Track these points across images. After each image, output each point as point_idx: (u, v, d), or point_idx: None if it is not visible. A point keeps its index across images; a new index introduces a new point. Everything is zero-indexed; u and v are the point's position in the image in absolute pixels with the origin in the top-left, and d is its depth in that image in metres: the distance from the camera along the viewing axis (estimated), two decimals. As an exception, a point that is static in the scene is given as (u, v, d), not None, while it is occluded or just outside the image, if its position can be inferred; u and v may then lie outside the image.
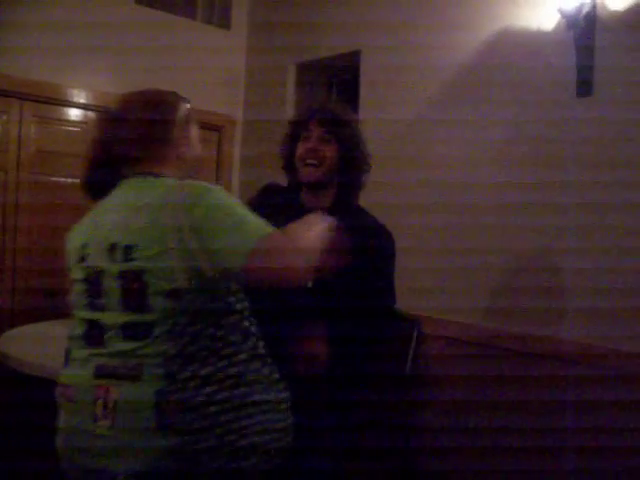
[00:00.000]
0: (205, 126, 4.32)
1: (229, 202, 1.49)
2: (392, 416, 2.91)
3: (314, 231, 1.57)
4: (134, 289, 1.45)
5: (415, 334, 3.04)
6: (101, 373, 1.47)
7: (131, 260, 1.45)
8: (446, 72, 3.35)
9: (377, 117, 3.56)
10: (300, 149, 2.06)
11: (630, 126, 2.69)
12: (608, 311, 2.69)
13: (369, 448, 2.42)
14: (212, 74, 4.27)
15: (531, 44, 3.01)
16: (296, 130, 2.11)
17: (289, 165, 2.13)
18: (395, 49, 3.56)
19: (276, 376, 1.60)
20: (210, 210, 1.44)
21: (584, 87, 2.82)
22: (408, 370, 3.04)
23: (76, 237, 1.63)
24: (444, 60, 3.35)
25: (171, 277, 1.43)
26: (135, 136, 1.62)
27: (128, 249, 1.46)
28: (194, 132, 1.72)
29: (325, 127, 2.03)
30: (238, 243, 1.42)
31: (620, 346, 2.64)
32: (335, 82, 4.28)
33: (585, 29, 2.79)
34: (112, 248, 1.49)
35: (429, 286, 3.22)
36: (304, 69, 4.19)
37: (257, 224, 1.46)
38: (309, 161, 2.02)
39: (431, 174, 3.31)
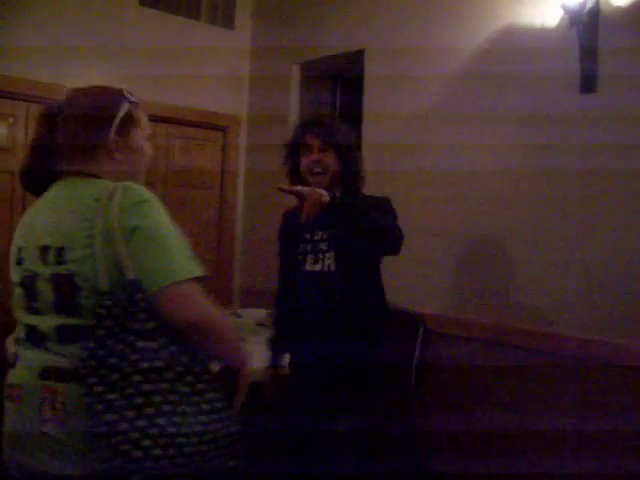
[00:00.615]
0: (210, 126, 4.37)
1: (162, 219, 1.45)
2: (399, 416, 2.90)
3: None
4: (66, 292, 1.43)
5: (421, 330, 3.05)
6: (47, 374, 1.45)
7: (62, 263, 1.43)
8: (450, 70, 3.35)
9: (381, 115, 3.59)
10: (304, 162, 2.29)
11: (634, 122, 2.70)
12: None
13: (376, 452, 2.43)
14: (216, 74, 4.29)
15: (535, 41, 3.01)
16: (295, 146, 2.33)
17: (295, 178, 2.34)
18: (399, 48, 3.56)
19: (202, 386, 1.48)
20: (142, 223, 1.41)
21: (588, 84, 2.83)
22: (415, 366, 3.04)
23: (15, 239, 1.58)
24: (448, 58, 3.36)
25: (97, 281, 1.40)
26: (69, 134, 1.56)
27: (59, 251, 1.44)
28: (139, 133, 1.64)
29: (321, 138, 2.26)
30: (159, 268, 1.40)
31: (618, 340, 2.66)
32: (339, 81, 4.29)
33: (588, 25, 2.79)
34: (44, 250, 1.46)
35: (432, 284, 3.27)
36: (308, 68, 4.20)
37: (184, 259, 1.44)
38: (316, 170, 2.26)
39: (436, 170, 3.32)
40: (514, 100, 3.08)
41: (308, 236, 2.31)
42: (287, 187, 2.12)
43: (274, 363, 2.49)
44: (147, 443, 1.36)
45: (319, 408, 2.25)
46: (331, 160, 2.25)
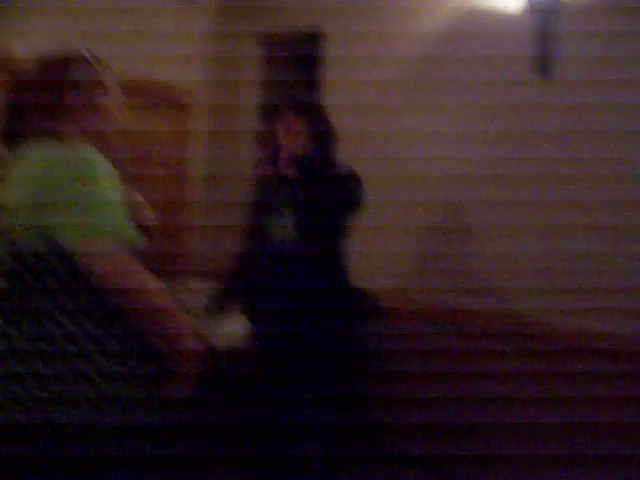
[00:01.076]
0: (170, 103, 4.31)
1: (100, 183, 1.45)
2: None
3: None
4: None
5: (373, 308, 3.05)
6: None
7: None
8: (410, 54, 3.38)
9: (341, 97, 3.58)
10: (277, 130, 2.33)
11: (589, 108, 2.76)
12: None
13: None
14: (177, 50, 4.22)
15: (495, 26, 3.06)
16: (268, 115, 2.43)
17: (266, 146, 2.42)
18: (359, 30, 3.57)
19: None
20: (79, 186, 1.42)
21: (545, 70, 2.88)
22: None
23: None
24: (408, 42, 3.39)
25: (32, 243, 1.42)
26: (32, 96, 1.55)
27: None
28: (102, 94, 1.62)
29: (295, 109, 2.31)
30: (87, 225, 1.41)
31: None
32: (300, 62, 4.27)
33: (548, 12, 2.84)
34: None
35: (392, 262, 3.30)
36: (270, 48, 4.17)
37: (120, 222, 1.45)
38: (286, 139, 2.29)
39: (391, 154, 3.34)
40: (473, 85, 3.13)
41: (275, 206, 2.33)
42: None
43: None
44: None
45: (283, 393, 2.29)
46: (302, 129, 2.30)
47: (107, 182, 1.46)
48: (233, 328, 2.76)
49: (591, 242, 2.75)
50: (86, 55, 1.61)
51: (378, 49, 3.48)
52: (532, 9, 2.88)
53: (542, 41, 2.86)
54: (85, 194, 1.42)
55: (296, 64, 4.23)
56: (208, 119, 4.45)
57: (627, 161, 2.69)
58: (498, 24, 3.04)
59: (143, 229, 1.66)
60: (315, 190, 2.24)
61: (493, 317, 3.01)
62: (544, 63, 2.87)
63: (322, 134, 2.31)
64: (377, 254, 3.24)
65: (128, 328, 1.48)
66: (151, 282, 1.47)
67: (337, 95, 3.45)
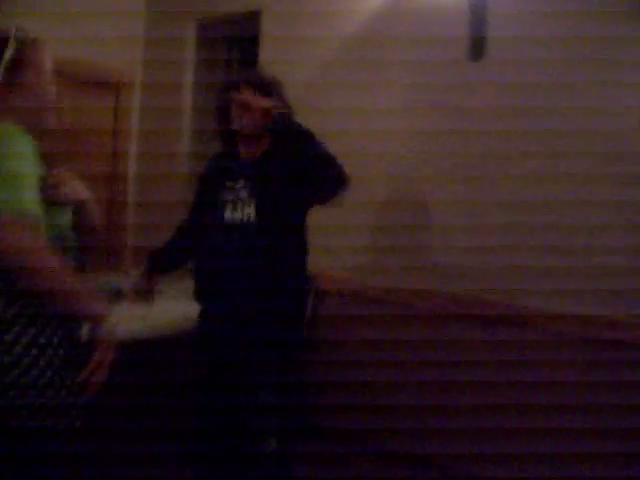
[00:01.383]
0: (102, 83, 4.22)
1: (16, 160, 1.47)
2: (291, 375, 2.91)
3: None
4: None
5: (313, 290, 3.07)
6: None
7: None
8: (344, 35, 3.38)
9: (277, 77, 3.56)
10: (234, 106, 2.26)
11: (519, 87, 2.82)
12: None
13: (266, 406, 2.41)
14: (110, 30, 4.13)
15: (427, 7, 3.08)
16: (228, 93, 2.31)
17: (225, 125, 2.33)
18: (294, 11, 3.56)
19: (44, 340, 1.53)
20: None
21: (476, 50, 2.92)
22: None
23: None
24: (343, 23, 3.39)
25: None
26: None
27: None
28: (34, 73, 1.62)
29: (253, 87, 2.26)
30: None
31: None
32: (236, 42, 4.23)
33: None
34: None
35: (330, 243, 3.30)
36: (204, 28, 4.12)
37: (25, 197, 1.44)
38: (243, 116, 2.22)
39: (336, 133, 3.33)
40: (407, 66, 3.16)
41: (230, 184, 2.28)
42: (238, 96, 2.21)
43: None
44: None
45: (235, 379, 2.26)
46: (260, 109, 2.20)
47: (19, 159, 1.46)
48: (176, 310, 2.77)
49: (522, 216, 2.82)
50: (14, 34, 1.59)
51: (314, 29, 3.46)
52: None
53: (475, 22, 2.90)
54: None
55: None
56: (143, 97, 4.38)
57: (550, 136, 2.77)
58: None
59: (76, 205, 1.69)
60: (280, 166, 2.22)
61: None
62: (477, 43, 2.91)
63: (282, 110, 2.23)
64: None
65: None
66: (53, 261, 1.45)
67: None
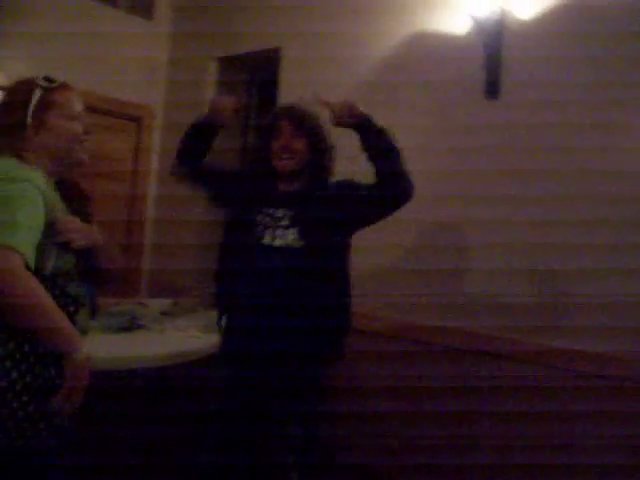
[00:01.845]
0: (124, 116, 4.31)
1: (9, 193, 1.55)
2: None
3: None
4: None
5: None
6: None
7: None
8: (362, 75, 3.45)
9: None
10: (274, 145, 2.28)
11: (533, 126, 2.86)
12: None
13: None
14: (133, 65, 4.25)
15: (443, 48, 3.15)
16: (269, 129, 2.33)
17: (264, 160, 2.33)
18: (314, 51, 3.65)
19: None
20: None
21: (491, 90, 2.97)
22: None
23: None
24: (360, 64, 3.46)
25: None
26: None
27: None
28: (57, 114, 1.74)
29: (294, 123, 2.27)
30: None
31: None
32: (256, 81, 4.33)
33: (494, 35, 2.94)
34: None
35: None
36: (225, 65, 4.22)
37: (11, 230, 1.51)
38: (284, 155, 2.25)
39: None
40: (423, 106, 3.21)
41: (268, 210, 2.24)
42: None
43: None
44: None
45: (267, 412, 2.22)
46: (301, 146, 2.26)
47: (22, 200, 1.55)
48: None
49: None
50: (41, 79, 1.75)
51: (331, 72, 3.54)
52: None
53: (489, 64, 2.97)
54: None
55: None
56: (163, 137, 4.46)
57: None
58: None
59: (87, 250, 1.74)
60: (325, 204, 2.22)
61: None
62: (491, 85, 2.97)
63: (322, 148, 2.30)
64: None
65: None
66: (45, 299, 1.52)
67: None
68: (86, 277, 1.77)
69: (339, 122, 2.24)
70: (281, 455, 2.19)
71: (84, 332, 1.72)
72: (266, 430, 2.22)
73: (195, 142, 2.38)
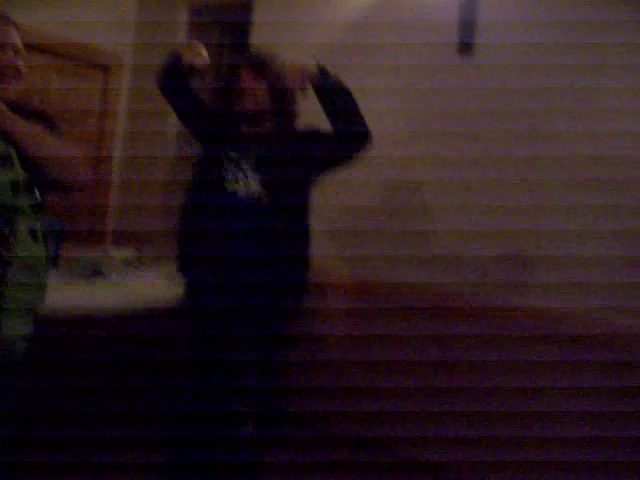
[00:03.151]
0: (92, 63, 4.20)
1: None
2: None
3: None
4: None
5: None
6: None
7: None
8: (333, 29, 3.40)
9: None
10: (236, 89, 2.27)
11: (506, 81, 2.85)
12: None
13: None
14: (102, 9, 4.12)
15: (418, 9, 3.11)
16: (231, 73, 2.33)
17: (226, 105, 2.33)
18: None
19: None
20: None
21: (465, 51, 2.94)
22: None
23: None
24: (333, 25, 3.41)
25: None
26: None
27: None
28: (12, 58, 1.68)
29: (255, 67, 2.27)
30: None
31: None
32: (228, 27, 4.22)
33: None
34: None
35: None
36: (196, 11, 4.11)
37: None
38: (245, 99, 2.24)
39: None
40: (396, 66, 3.18)
41: (230, 154, 2.26)
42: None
43: None
44: None
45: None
46: (261, 89, 2.25)
47: None
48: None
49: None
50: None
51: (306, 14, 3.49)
52: None
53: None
54: None
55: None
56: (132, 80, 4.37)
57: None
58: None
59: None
60: (288, 146, 2.24)
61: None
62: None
63: (283, 92, 2.28)
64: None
65: None
66: None
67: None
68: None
69: (293, 80, 2.24)
70: (238, 404, 2.20)
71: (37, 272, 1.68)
72: (224, 379, 2.23)
73: (173, 73, 2.39)
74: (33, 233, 1.66)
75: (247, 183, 2.20)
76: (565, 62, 2.70)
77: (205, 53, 2.37)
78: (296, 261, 2.27)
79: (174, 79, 2.38)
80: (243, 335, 2.20)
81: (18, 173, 1.64)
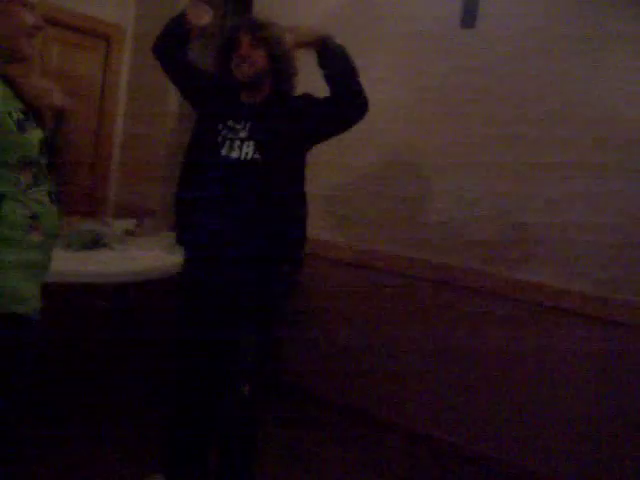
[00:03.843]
0: (93, 34, 4.17)
1: None
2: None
3: None
4: None
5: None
6: None
7: None
8: (337, 3, 3.38)
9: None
10: (234, 57, 2.26)
11: (508, 55, 2.86)
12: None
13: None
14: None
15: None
16: (228, 41, 2.30)
17: (226, 71, 2.31)
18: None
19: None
20: None
21: (468, 19, 2.92)
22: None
23: None
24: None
25: None
26: None
27: None
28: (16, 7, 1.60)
29: (252, 34, 2.24)
30: None
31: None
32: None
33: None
34: None
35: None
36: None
37: None
38: (243, 65, 2.23)
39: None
40: (397, 35, 3.16)
41: (228, 122, 2.25)
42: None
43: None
44: None
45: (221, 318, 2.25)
46: (259, 56, 2.24)
47: None
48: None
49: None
50: None
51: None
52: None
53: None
54: None
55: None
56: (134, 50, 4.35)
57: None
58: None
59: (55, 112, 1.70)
60: (285, 112, 2.24)
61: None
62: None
63: (281, 59, 2.27)
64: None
65: None
66: None
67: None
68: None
69: (297, 43, 2.25)
70: (234, 363, 2.22)
71: (49, 232, 1.66)
72: (221, 337, 2.25)
73: (173, 34, 2.39)
74: (49, 194, 1.67)
75: (243, 148, 2.20)
76: None
77: (210, 13, 2.36)
78: (293, 224, 2.28)
79: (170, 42, 2.37)
80: (239, 301, 2.22)
81: (42, 131, 1.65)
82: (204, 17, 2.35)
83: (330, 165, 3.30)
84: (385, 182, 3.19)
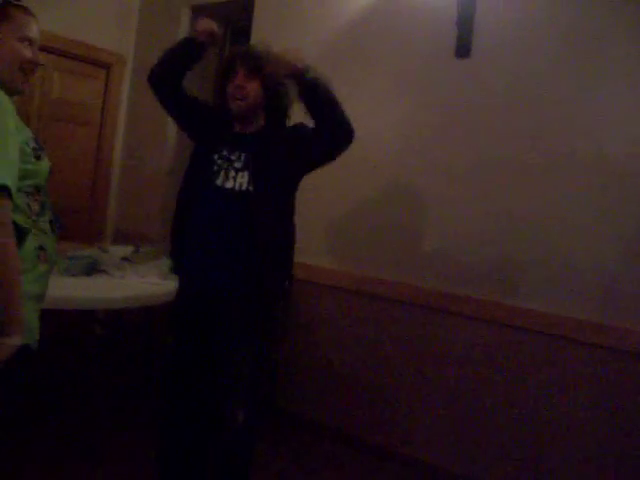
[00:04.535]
0: (94, 62, 4.23)
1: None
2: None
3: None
4: None
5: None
6: None
7: None
8: (333, 31, 3.43)
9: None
10: (229, 88, 2.28)
11: (502, 85, 2.89)
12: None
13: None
14: (104, 9, 4.16)
15: (417, 6, 3.13)
16: (225, 71, 2.32)
17: (222, 102, 2.33)
18: (286, 3, 3.62)
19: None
20: None
21: (463, 49, 2.97)
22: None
23: None
24: (332, 20, 3.44)
25: None
26: None
27: None
28: (9, 30, 1.65)
29: (248, 65, 2.26)
30: None
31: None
32: (229, 28, 4.26)
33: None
34: None
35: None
36: (198, 12, 4.15)
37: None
38: (237, 96, 2.24)
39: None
40: (393, 62, 3.21)
41: (223, 152, 2.26)
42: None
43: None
44: None
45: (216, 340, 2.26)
46: (254, 88, 2.24)
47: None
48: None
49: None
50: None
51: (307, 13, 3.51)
52: None
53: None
54: None
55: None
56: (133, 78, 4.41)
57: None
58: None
59: None
60: (277, 142, 2.25)
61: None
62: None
63: (276, 90, 2.29)
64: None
65: None
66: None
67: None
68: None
69: (277, 74, 2.22)
70: (227, 387, 2.22)
71: (51, 261, 1.69)
72: (213, 366, 2.26)
73: (176, 58, 2.37)
74: (50, 223, 1.70)
75: (237, 178, 2.21)
76: None
77: (216, 28, 2.34)
78: (282, 253, 2.29)
79: (169, 69, 2.36)
80: (232, 323, 2.23)
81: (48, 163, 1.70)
82: (212, 25, 2.33)
83: (329, 195, 3.34)
84: (383, 211, 3.21)
